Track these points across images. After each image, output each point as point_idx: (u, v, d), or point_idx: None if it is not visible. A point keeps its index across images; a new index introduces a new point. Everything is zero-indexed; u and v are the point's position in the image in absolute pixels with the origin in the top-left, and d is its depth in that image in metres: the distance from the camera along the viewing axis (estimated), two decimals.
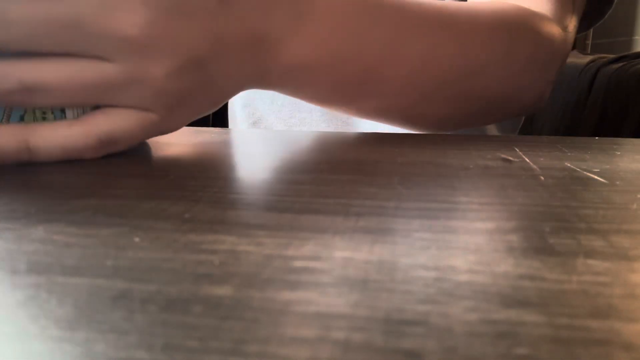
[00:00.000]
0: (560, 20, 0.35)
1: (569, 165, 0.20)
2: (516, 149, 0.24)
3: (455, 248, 0.11)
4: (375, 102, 0.30)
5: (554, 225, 0.13)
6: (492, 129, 0.46)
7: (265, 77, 0.25)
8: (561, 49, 0.35)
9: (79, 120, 0.21)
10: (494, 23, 0.30)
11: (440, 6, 0.29)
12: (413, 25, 0.28)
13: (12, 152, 0.20)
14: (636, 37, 1.84)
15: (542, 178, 0.18)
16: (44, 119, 0.21)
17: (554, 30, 0.34)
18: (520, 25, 0.32)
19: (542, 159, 0.21)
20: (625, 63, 0.98)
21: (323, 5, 0.25)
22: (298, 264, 0.10)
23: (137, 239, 0.12)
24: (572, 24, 0.37)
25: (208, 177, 0.18)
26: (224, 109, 0.57)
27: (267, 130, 0.33)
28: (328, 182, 0.17)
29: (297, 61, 0.25)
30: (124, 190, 0.16)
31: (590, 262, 0.11)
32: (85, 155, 0.21)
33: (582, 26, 0.44)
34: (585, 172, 0.19)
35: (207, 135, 0.29)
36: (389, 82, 0.28)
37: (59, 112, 0.21)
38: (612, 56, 1.03)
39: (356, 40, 0.26)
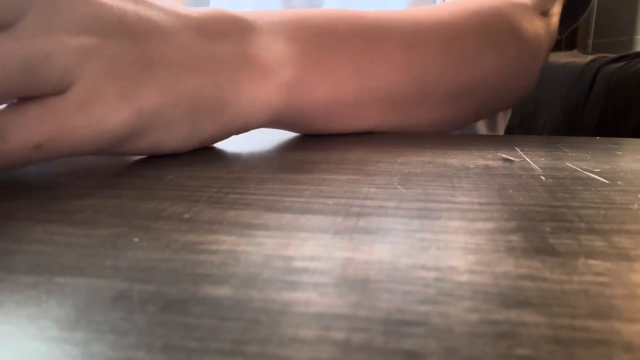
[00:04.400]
0: (542, 4, 0.36)
1: (569, 165, 0.20)
2: (517, 148, 0.24)
3: (455, 248, 0.11)
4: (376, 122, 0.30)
5: (554, 226, 0.13)
6: (482, 129, 0.47)
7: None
8: (546, 36, 0.36)
9: None
10: (473, 26, 0.30)
11: (419, 18, 0.29)
12: (395, 46, 0.28)
13: None
14: (637, 37, 1.84)
15: (543, 178, 0.18)
16: None
17: (535, 19, 0.34)
18: (500, 23, 0.32)
19: (542, 159, 0.21)
20: (626, 63, 0.97)
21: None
22: (298, 264, 0.10)
23: (136, 239, 0.12)
24: (556, 7, 0.38)
25: (208, 177, 0.18)
26: None
27: (266, 130, 0.33)
28: (328, 182, 0.17)
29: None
30: (124, 190, 0.16)
31: (591, 262, 0.11)
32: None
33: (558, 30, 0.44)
34: (586, 172, 0.19)
35: None
36: (395, 104, 0.29)
37: None
38: (612, 56, 1.03)
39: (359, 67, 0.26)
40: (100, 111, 0.19)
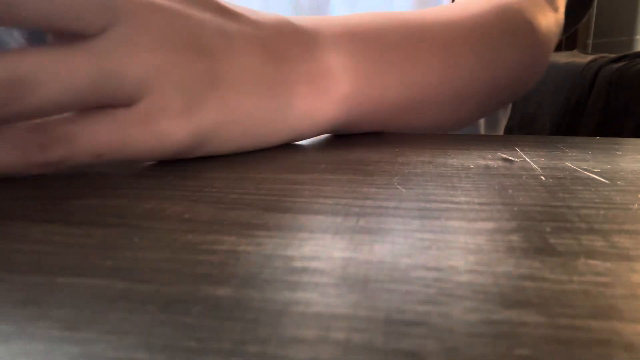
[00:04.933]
0: (551, 1, 0.38)
1: (569, 165, 0.20)
2: (517, 148, 0.24)
3: (455, 248, 0.11)
4: (417, 123, 0.31)
5: (554, 226, 0.13)
6: (482, 127, 0.47)
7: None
8: (555, 31, 0.38)
9: None
10: (497, 23, 0.32)
11: (450, 19, 0.30)
12: (434, 49, 0.29)
13: None
14: (637, 37, 1.84)
15: (543, 178, 0.18)
16: None
17: (548, 13, 0.36)
18: (519, 18, 0.33)
19: (542, 159, 0.21)
20: (626, 62, 0.97)
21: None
22: (298, 264, 0.10)
23: (136, 239, 0.12)
24: (562, 3, 0.40)
25: (208, 177, 0.18)
26: None
27: None
28: (328, 182, 0.17)
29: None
30: (124, 190, 0.16)
31: (591, 262, 0.11)
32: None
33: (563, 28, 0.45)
34: (586, 172, 0.19)
35: None
36: (428, 107, 0.30)
37: None
38: (613, 56, 1.03)
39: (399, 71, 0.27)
40: (162, 127, 0.19)
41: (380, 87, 0.27)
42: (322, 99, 0.25)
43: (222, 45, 0.21)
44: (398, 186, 0.17)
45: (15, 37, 0.19)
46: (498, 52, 0.31)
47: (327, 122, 0.25)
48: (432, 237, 0.12)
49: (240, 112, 0.21)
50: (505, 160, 0.21)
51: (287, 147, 0.25)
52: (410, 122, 0.30)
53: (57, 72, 0.17)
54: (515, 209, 0.14)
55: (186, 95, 0.20)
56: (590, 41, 2.04)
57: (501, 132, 0.51)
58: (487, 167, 0.20)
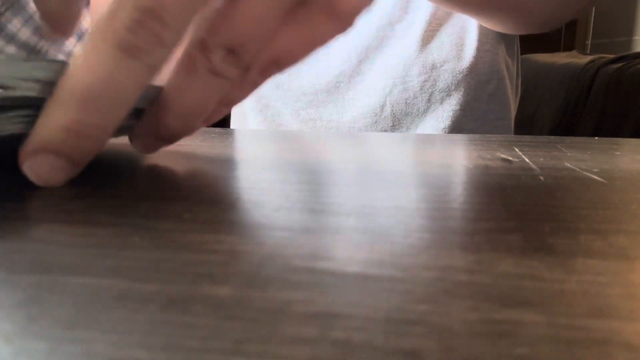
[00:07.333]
0: None
1: (568, 165, 0.20)
2: (516, 149, 0.24)
3: (455, 248, 0.11)
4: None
5: (553, 225, 0.13)
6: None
7: None
8: None
9: None
10: None
11: None
12: None
13: None
14: (636, 37, 1.85)
15: (542, 178, 0.18)
16: None
17: None
18: None
19: (541, 159, 0.22)
20: (625, 63, 0.98)
21: None
22: (298, 263, 0.10)
23: (137, 239, 0.12)
24: None
25: (208, 177, 0.18)
26: None
27: (267, 131, 0.33)
28: (328, 182, 0.17)
29: None
30: (124, 190, 0.16)
31: (590, 261, 0.11)
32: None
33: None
34: (584, 172, 0.19)
35: (207, 135, 0.29)
36: None
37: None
38: (611, 56, 1.03)
39: None
40: (346, 7, 0.18)
41: None
42: None
43: None
44: (398, 186, 0.17)
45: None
46: None
47: None
48: (432, 237, 0.12)
49: None
50: (504, 160, 0.21)
51: (288, 150, 0.25)
52: None
53: None
54: (514, 208, 0.14)
55: None
56: (589, 42, 2.04)
57: (512, 119, 0.51)
58: (486, 167, 0.20)
